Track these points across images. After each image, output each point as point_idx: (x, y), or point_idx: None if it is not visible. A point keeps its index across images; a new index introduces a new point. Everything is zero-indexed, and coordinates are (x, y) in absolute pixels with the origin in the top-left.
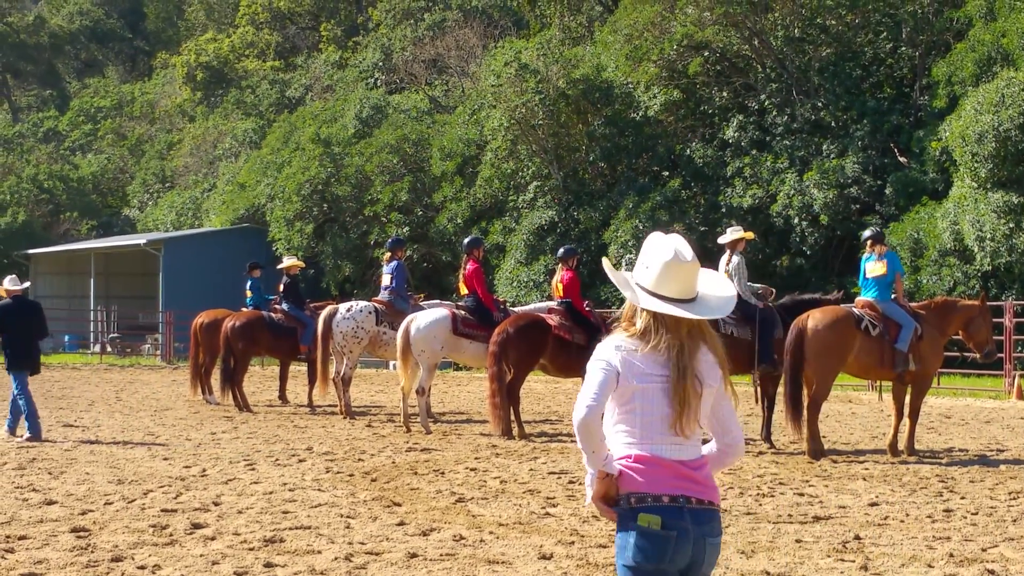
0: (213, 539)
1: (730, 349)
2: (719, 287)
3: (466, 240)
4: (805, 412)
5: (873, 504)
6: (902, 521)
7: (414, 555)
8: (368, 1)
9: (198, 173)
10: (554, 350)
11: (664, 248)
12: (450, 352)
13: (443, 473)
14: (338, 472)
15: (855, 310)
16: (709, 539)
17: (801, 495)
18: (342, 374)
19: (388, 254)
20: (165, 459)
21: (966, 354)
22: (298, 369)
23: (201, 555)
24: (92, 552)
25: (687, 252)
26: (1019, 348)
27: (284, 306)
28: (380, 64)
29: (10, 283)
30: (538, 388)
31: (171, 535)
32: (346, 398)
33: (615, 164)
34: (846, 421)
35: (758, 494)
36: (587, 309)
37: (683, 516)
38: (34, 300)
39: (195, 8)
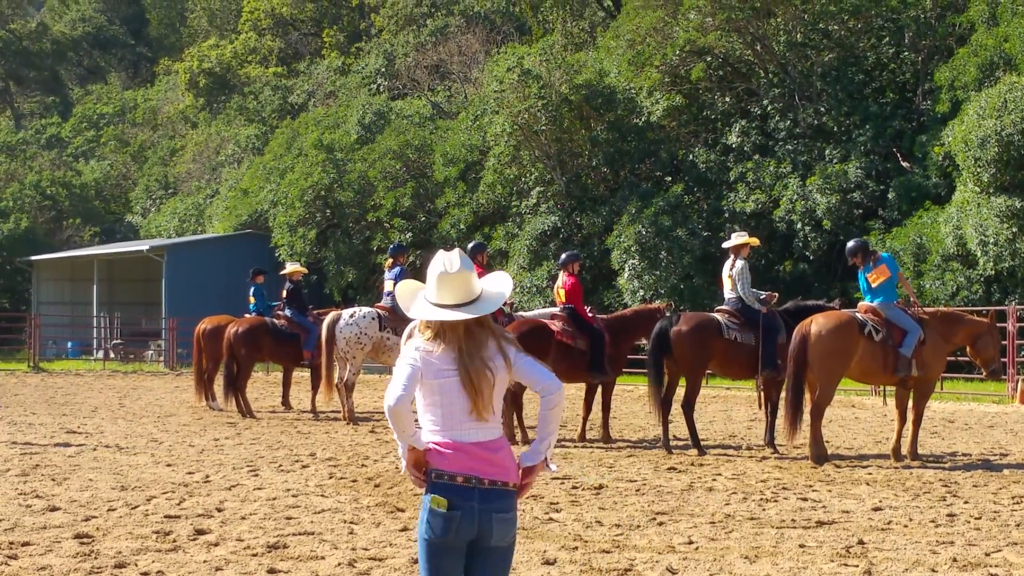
0: (216, 545)
1: (734, 354)
2: (497, 284)
3: (470, 245)
4: (805, 417)
5: (877, 509)
6: (906, 526)
7: (417, 561)
8: (371, 7)
9: (201, 179)
10: (557, 355)
11: (436, 263)
12: None
13: None
14: (341, 478)
15: (858, 315)
16: (496, 515)
17: (804, 500)
18: (345, 380)
19: (391, 260)
20: (168, 465)
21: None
22: (301, 375)
23: (205, 561)
24: (96, 558)
25: (455, 264)
26: (1022, 353)
27: (287, 312)
28: (383, 70)
29: None
30: None
31: (175, 541)
32: (349, 404)
33: (618, 169)
34: (849, 426)
35: (761, 499)
36: (590, 315)
37: (472, 495)
38: None
39: (197, 14)
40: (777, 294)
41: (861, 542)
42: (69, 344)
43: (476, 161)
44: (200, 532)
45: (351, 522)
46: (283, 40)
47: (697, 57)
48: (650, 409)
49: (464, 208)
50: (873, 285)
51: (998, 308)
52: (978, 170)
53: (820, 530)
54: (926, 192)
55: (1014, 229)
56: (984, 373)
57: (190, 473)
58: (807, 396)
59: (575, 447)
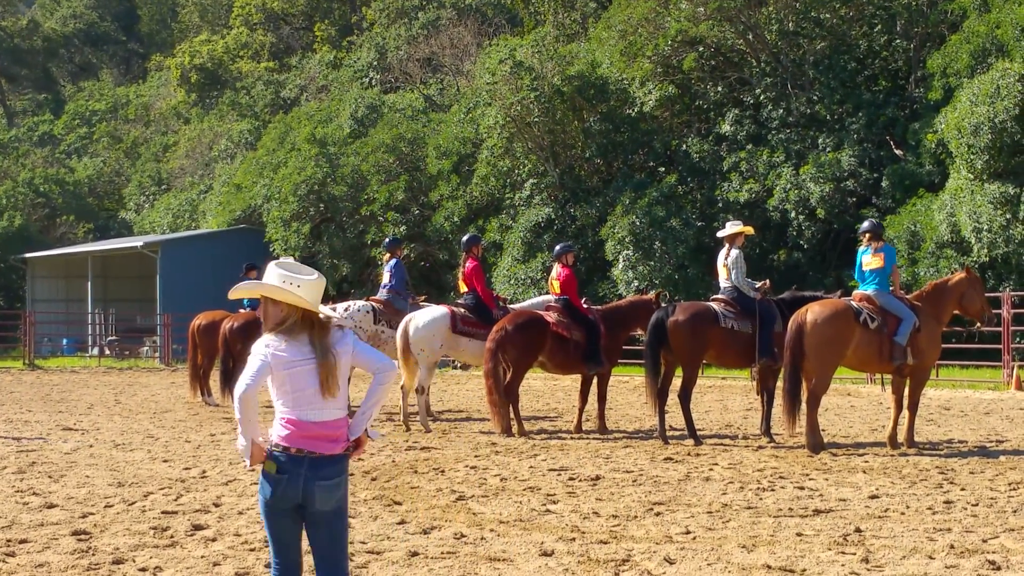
0: (214, 540)
1: (730, 342)
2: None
3: (465, 238)
4: (802, 407)
5: (873, 497)
6: (903, 513)
7: (415, 553)
8: (362, 0)
9: (194, 175)
10: (552, 347)
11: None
12: (449, 350)
13: (443, 471)
14: None
15: (853, 303)
16: (319, 482)
17: (801, 488)
18: None
19: (387, 254)
20: (165, 461)
21: (965, 345)
22: None
23: (202, 556)
24: (93, 555)
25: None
26: (1017, 339)
27: None
28: (375, 63)
29: None
30: (537, 385)
31: (172, 537)
32: None
33: (611, 160)
34: (845, 414)
35: (758, 488)
36: (584, 306)
37: (300, 464)
38: None
39: (189, 10)
40: (769, 281)
41: (858, 530)
42: (64, 341)
43: (469, 154)
44: (197, 527)
45: (348, 516)
46: (275, 35)
47: (689, 47)
48: (646, 399)
49: (458, 201)
50: (864, 268)
51: (992, 295)
52: (971, 157)
53: (817, 519)
54: (920, 180)
55: (1007, 215)
56: (980, 325)
57: (187, 469)
58: (804, 385)
59: (571, 438)
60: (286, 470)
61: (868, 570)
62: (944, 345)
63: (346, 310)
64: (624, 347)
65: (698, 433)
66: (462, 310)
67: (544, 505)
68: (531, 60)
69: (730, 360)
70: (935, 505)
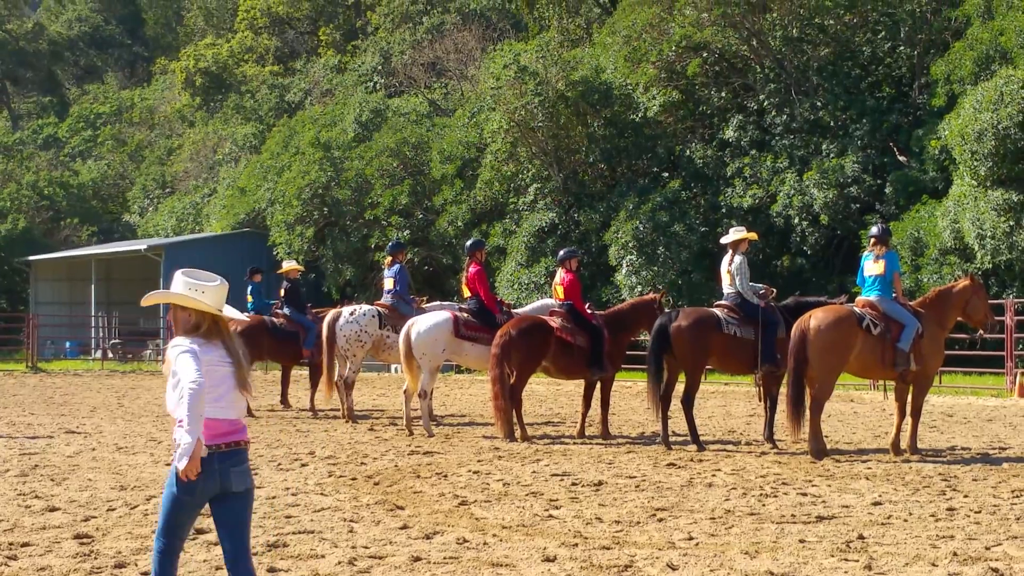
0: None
1: (733, 349)
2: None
3: (468, 242)
4: (806, 413)
5: (876, 503)
6: (905, 520)
7: (418, 559)
8: (367, 5)
9: (198, 178)
10: (556, 352)
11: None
12: (452, 355)
13: (446, 476)
14: (341, 476)
15: (856, 309)
16: (233, 468)
17: (804, 495)
18: (345, 378)
19: (389, 258)
20: (168, 464)
21: (968, 352)
22: (300, 373)
23: (204, 560)
24: (95, 559)
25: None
26: (1020, 346)
27: (285, 310)
28: (379, 68)
29: None
30: (540, 390)
31: None
32: (349, 402)
33: (615, 165)
34: (848, 420)
35: (761, 494)
36: (588, 311)
37: (212, 460)
38: None
39: (194, 14)
40: (775, 289)
41: (861, 537)
42: (67, 344)
43: (473, 158)
44: (200, 532)
45: (351, 520)
46: (279, 39)
47: (693, 52)
48: (649, 405)
49: (461, 205)
50: (866, 274)
51: (995, 302)
52: (975, 164)
53: (820, 525)
54: (923, 186)
55: (1011, 222)
56: (982, 332)
57: None
58: (807, 391)
59: (574, 443)
60: (206, 467)
61: None
62: (947, 352)
63: (351, 314)
64: (627, 352)
65: (701, 439)
66: (466, 314)
67: (547, 510)
68: (535, 65)
69: (733, 366)
70: (938, 512)
